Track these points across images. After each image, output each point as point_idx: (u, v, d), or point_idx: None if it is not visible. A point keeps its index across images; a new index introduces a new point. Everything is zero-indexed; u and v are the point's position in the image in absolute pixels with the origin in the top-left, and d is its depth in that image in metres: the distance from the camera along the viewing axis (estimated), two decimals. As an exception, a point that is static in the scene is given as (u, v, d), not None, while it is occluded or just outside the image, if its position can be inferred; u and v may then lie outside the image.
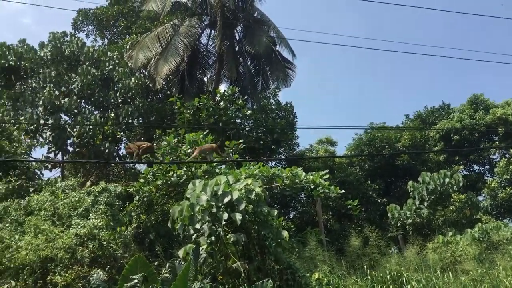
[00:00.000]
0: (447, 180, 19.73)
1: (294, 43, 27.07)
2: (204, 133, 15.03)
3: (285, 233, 9.51)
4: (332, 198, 18.05)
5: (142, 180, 14.49)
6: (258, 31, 24.64)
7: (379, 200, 25.23)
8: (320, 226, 19.89)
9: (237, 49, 26.05)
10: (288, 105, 26.24)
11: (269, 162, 24.06)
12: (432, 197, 19.85)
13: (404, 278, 11.94)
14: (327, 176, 13.68)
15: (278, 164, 25.06)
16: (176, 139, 15.16)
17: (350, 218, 23.86)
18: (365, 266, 13.52)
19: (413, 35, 68.62)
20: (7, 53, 21.01)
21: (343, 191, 13.18)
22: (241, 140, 15.88)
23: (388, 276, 12.21)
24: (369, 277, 12.50)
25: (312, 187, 13.37)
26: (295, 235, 17.72)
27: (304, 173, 13.40)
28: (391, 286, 11.72)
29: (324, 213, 23.11)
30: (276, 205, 22.85)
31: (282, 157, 25.73)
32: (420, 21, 74.45)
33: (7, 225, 11.80)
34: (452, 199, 20.42)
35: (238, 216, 8.48)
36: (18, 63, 21.05)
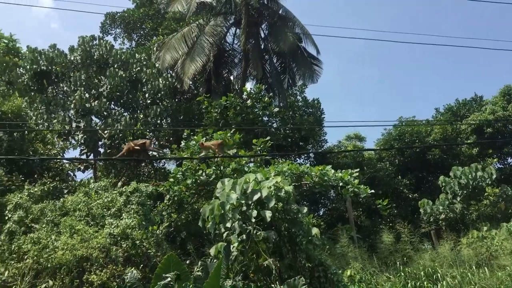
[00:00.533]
0: (479, 174, 19.25)
1: (319, 39, 26.87)
2: (231, 132, 15.07)
3: (315, 230, 9.45)
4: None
5: (171, 180, 14.65)
6: (283, 28, 24.55)
7: (410, 196, 24.83)
8: (351, 222, 19.73)
9: (262, 47, 26.03)
10: (315, 102, 26.08)
11: (297, 159, 23.99)
12: (465, 192, 19.40)
13: (438, 274, 11.76)
14: (357, 174, 13.48)
15: (306, 161, 24.94)
16: (204, 138, 15.27)
17: (381, 214, 23.51)
18: (397, 263, 13.36)
19: (442, 26, 67.20)
20: (38, 58, 21.55)
21: (372, 191, 12.91)
22: (268, 138, 15.86)
23: (422, 272, 12.06)
24: (402, 274, 12.36)
25: (341, 185, 13.22)
26: (325, 232, 17.64)
27: (333, 171, 13.28)
28: (425, 282, 11.55)
29: (354, 210, 22.91)
30: (305, 202, 22.77)
31: (311, 154, 25.57)
32: (449, 11, 72.83)
33: (43, 225, 12.11)
34: (486, 193, 19.91)
35: (268, 214, 8.47)
36: (50, 68, 21.55)
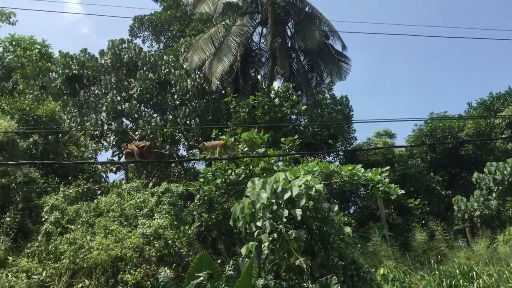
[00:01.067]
0: (515, 169, 18.67)
1: (345, 36, 26.61)
2: (257, 131, 15.07)
3: (347, 229, 9.38)
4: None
5: (201, 180, 14.77)
6: (310, 26, 24.41)
7: (443, 193, 24.34)
8: (382, 220, 19.49)
9: (289, 45, 25.97)
10: (344, 99, 25.85)
11: (327, 157, 23.83)
12: (500, 188, 18.84)
13: (474, 273, 11.49)
14: (387, 173, 13.23)
15: (336, 158, 24.75)
16: (232, 138, 15.34)
17: (413, 212, 23.20)
18: (432, 261, 13.13)
19: (474, 18, 65.54)
20: (70, 62, 22.09)
21: (402, 191, 12.62)
22: (296, 136, 15.80)
23: (457, 271, 11.81)
24: (437, 272, 12.14)
25: (372, 185, 13.01)
26: (356, 231, 17.47)
27: (363, 170, 13.10)
28: (460, 281, 11.31)
29: (386, 207, 22.62)
30: (335, 200, 22.61)
31: (340, 152, 25.35)
32: (480, 1, 70.96)
33: (79, 226, 12.39)
34: (523, 189, 19.30)
35: (299, 212, 8.42)
36: (81, 72, 22.06)
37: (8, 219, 13.24)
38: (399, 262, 13.52)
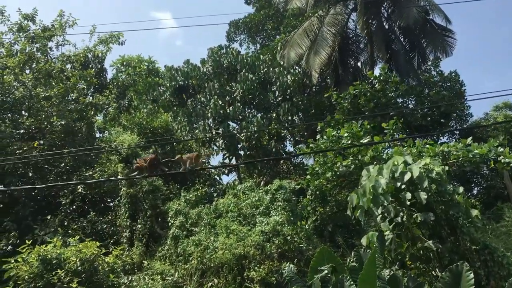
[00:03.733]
0: None
1: (447, 8, 24.86)
2: (361, 121, 14.62)
3: (475, 212, 8.76)
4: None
5: (310, 176, 14.67)
6: (406, 3, 23.21)
7: None
8: (512, 199, 17.93)
9: (387, 27, 24.97)
10: (453, 74, 24.21)
11: (441, 138, 22.51)
12: None
13: None
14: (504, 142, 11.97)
15: (451, 138, 23.26)
16: (337, 131, 15.05)
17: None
18: None
19: None
20: (175, 75, 23.40)
21: None
22: (394, 117, 15.04)
23: None
24: None
25: (493, 158, 11.91)
26: (483, 213, 16.27)
27: (476, 144, 12.07)
28: None
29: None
30: (455, 183, 21.24)
31: (455, 132, 23.74)
32: None
33: (202, 228, 13.09)
34: None
35: (423, 195, 7.98)
36: (186, 82, 23.29)
37: (139, 226, 14.38)
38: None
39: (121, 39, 23.44)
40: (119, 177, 16.13)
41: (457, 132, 23.35)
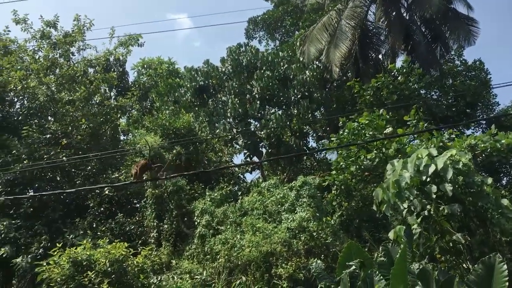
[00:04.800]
0: None
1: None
2: (381, 112, 14.42)
3: (505, 201, 8.57)
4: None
5: (334, 171, 14.58)
6: (427, -8, 22.81)
7: None
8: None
9: (407, 17, 24.58)
10: (477, 63, 23.71)
11: (467, 128, 22.09)
12: None
13: None
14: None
15: (477, 128, 22.80)
16: (360, 124, 14.89)
17: None
18: None
19: None
20: (195, 75, 23.54)
21: None
22: (414, 107, 14.77)
23: None
24: None
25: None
26: (513, 203, 15.87)
27: (503, 133, 11.81)
28: None
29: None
30: (484, 174, 20.79)
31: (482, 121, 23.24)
32: None
33: (228, 227, 13.16)
34: None
35: (448, 187, 7.87)
36: (206, 82, 23.38)
37: (166, 226, 14.55)
38: None
39: (140, 40, 23.71)
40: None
41: (484, 122, 22.86)
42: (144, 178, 11.65)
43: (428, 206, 8.30)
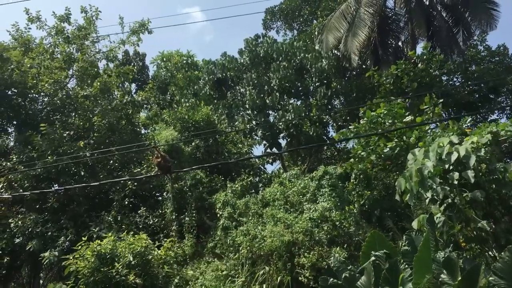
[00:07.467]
0: None
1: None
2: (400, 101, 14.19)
3: (530, 188, 8.40)
4: None
5: (352, 160, 14.42)
6: (447, -24, 22.38)
7: None
8: None
9: (427, 3, 24.13)
10: (501, 48, 23.19)
11: (490, 115, 21.67)
12: None
13: None
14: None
15: (501, 114, 22.36)
16: (379, 114, 14.68)
17: None
18: None
19: None
20: (213, 68, 23.59)
21: None
22: (428, 93, 14.49)
23: None
24: None
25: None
26: (538, 190, 15.53)
27: None
28: None
29: None
30: (508, 160, 20.39)
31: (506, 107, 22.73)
32: None
33: (250, 218, 13.23)
34: None
35: (471, 174, 7.75)
36: (224, 74, 23.42)
37: (187, 218, 14.69)
38: None
39: (149, 27, 23.51)
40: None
41: (508, 108, 22.41)
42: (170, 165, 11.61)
43: (452, 194, 8.20)
